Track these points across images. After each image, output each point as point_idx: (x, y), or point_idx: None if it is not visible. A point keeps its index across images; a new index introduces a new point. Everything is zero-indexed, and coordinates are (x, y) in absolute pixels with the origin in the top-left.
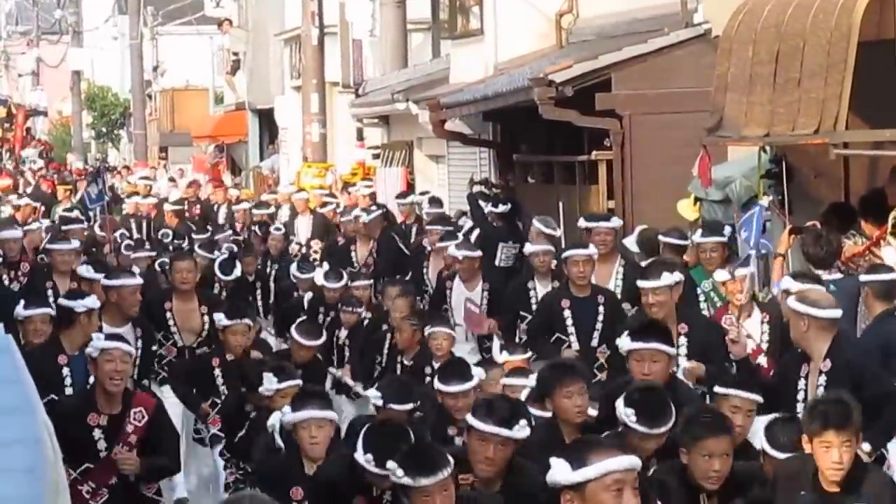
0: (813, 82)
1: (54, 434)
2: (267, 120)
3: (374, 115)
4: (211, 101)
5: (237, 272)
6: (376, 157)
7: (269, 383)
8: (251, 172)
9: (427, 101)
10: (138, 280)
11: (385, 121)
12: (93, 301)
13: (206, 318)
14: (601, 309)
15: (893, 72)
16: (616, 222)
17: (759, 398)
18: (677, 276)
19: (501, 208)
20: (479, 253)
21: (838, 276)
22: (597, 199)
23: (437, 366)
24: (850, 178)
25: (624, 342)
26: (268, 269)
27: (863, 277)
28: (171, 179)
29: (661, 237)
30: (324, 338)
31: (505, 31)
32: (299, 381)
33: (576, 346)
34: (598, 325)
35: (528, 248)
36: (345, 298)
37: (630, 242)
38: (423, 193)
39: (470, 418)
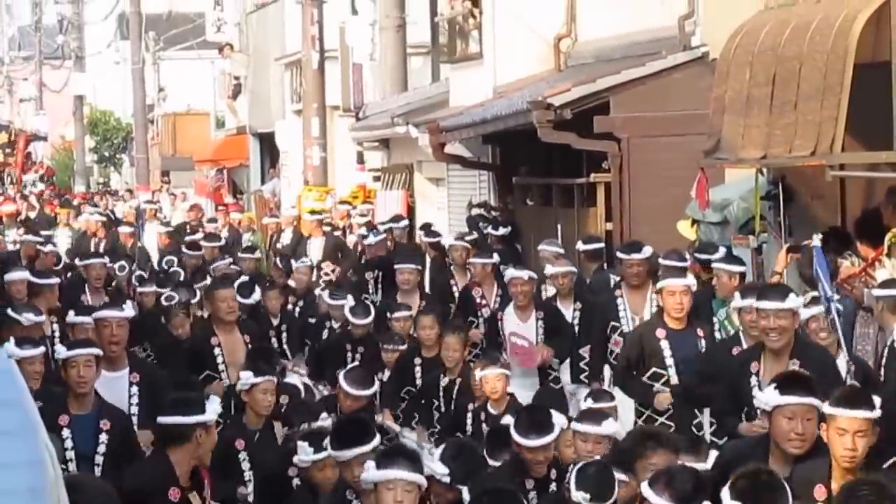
0: (809, 105)
1: (55, 456)
2: (268, 144)
3: (375, 138)
4: (212, 125)
5: (256, 296)
6: (377, 179)
7: (305, 454)
8: (252, 196)
9: (427, 124)
10: (124, 312)
11: (385, 144)
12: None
13: (249, 347)
14: (702, 343)
15: (889, 94)
16: (648, 251)
17: None
18: (800, 301)
19: (501, 231)
20: (534, 275)
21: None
22: (595, 221)
23: (490, 408)
24: (846, 200)
25: (770, 396)
26: (290, 306)
27: (876, 292)
28: (172, 195)
29: (661, 260)
30: (376, 385)
31: (504, 54)
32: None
33: (674, 379)
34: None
35: (549, 269)
36: (385, 335)
37: None
38: (394, 219)
39: (646, 489)
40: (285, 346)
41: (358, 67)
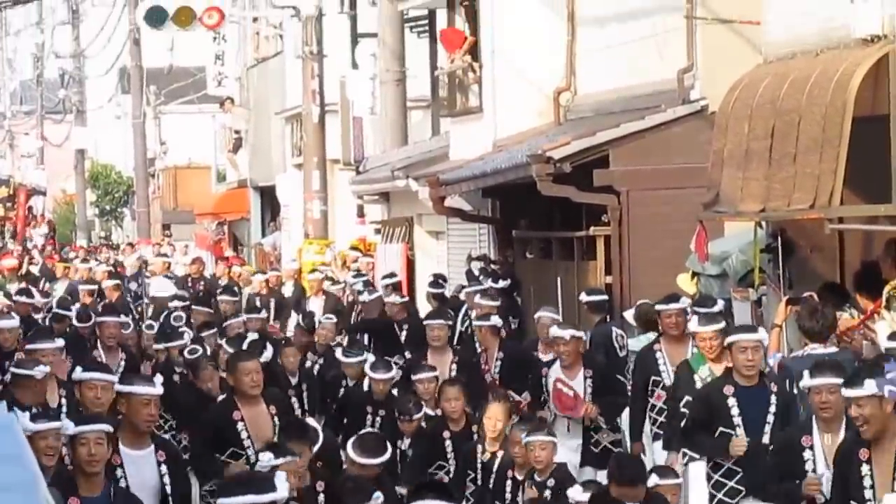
0: (808, 158)
1: None
2: (269, 197)
3: (375, 191)
4: (213, 178)
5: (268, 355)
6: (378, 231)
7: None
8: (253, 249)
9: (427, 177)
10: (155, 389)
11: (385, 197)
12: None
13: (276, 420)
14: (773, 399)
15: (887, 147)
16: (685, 302)
17: None
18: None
19: (501, 284)
20: (582, 334)
21: (833, 349)
22: (595, 274)
23: (538, 477)
24: (845, 252)
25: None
26: (308, 363)
27: (887, 345)
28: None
29: (657, 306)
30: (388, 452)
31: (503, 108)
32: None
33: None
34: (770, 418)
35: (555, 331)
36: (402, 401)
37: (628, 316)
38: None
39: None
40: (305, 406)
41: (358, 121)
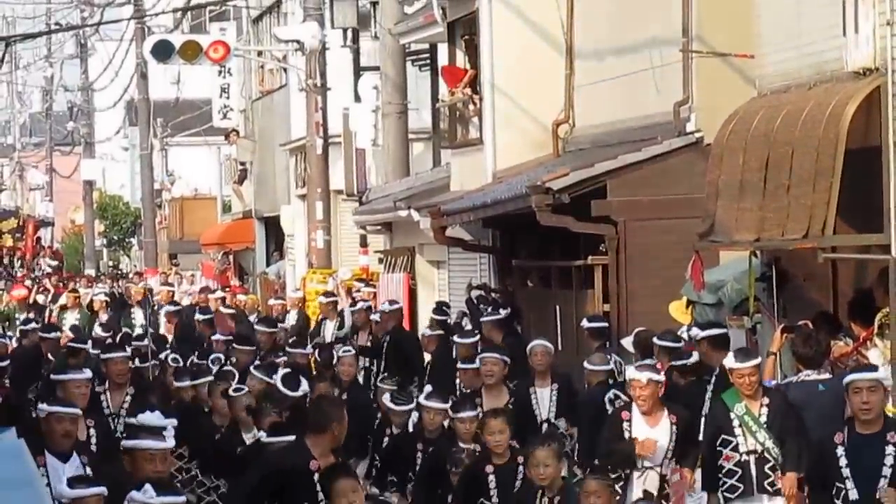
0: (801, 189)
1: None
2: (273, 227)
3: (377, 221)
4: (219, 209)
5: (304, 388)
6: (381, 261)
7: None
8: (258, 278)
9: (428, 208)
10: (161, 444)
11: (388, 227)
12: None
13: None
14: (889, 449)
15: (879, 178)
16: (758, 360)
17: None
18: None
19: (502, 313)
20: (662, 377)
21: (827, 375)
22: (593, 302)
23: None
24: (838, 281)
25: None
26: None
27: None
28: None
29: (655, 340)
30: None
31: (503, 140)
32: None
33: (854, 494)
34: (886, 471)
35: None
36: (452, 455)
37: (627, 343)
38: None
39: None
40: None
41: (361, 153)
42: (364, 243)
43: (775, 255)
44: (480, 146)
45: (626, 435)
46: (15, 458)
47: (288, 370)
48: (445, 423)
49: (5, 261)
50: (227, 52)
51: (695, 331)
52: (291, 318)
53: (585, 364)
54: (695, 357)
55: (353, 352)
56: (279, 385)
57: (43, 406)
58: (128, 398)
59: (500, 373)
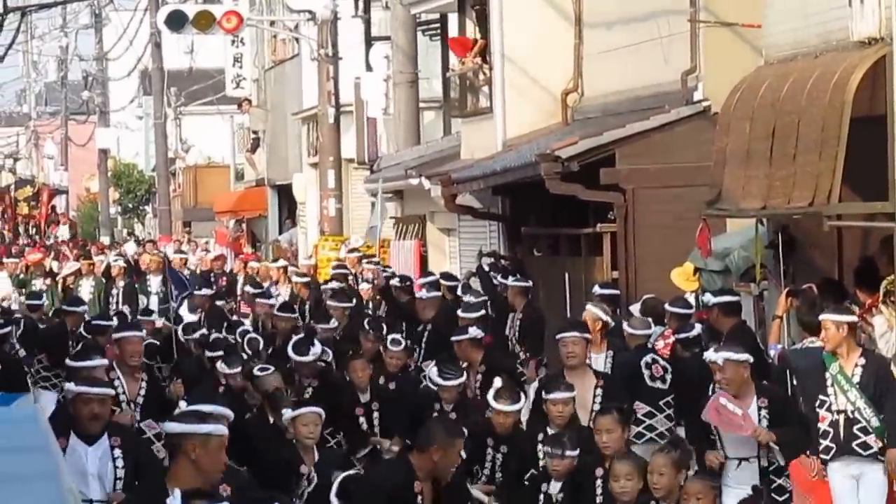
0: (807, 157)
1: (78, 500)
2: (285, 195)
3: (389, 189)
4: (232, 177)
5: (315, 351)
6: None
7: None
8: (270, 246)
9: (439, 176)
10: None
11: (399, 195)
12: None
13: None
14: None
15: (884, 147)
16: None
17: None
18: None
19: (511, 280)
20: (747, 357)
21: None
22: (601, 269)
23: None
24: (843, 249)
25: None
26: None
27: None
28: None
29: (667, 307)
30: None
31: (513, 109)
32: None
33: None
34: None
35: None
36: (552, 439)
37: (635, 310)
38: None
39: None
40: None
41: (372, 121)
42: None
43: (782, 223)
44: (490, 115)
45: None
46: (30, 424)
47: (301, 336)
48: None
49: (21, 228)
50: (240, 21)
51: (707, 296)
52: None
53: (626, 328)
54: (697, 329)
55: (404, 346)
56: (290, 352)
57: (70, 386)
58: (143, 384)
59: (582, 353)
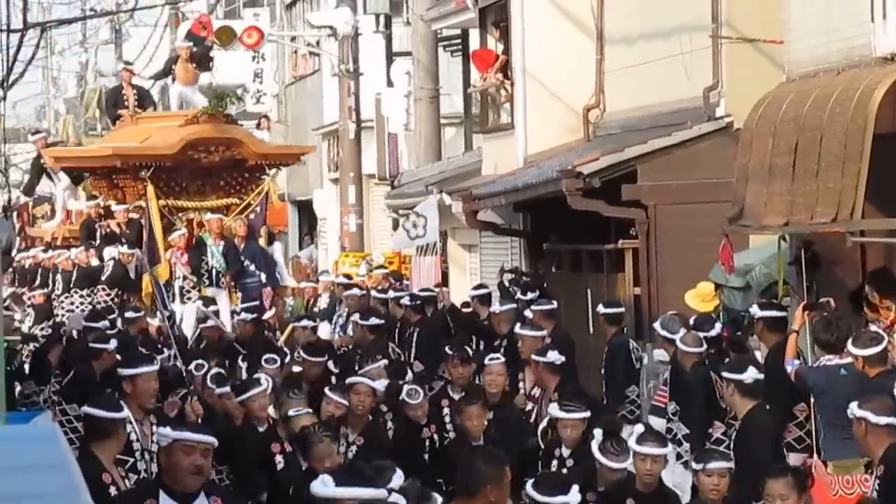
0: (830, 173)
1: None
2: (306, 211)
3: (410, 205)
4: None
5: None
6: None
7: None
8: (290, 262)
9: (460, 192)
10: None
11: None
12: None
13: None
14: None
15: None
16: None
17: None
18: None
19: (530, 296)
20: None
21: (849, 360)
22: (623, 286)
23: None
24: (866, 265)
25: None
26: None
27: None
28: None
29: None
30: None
31: (534, 125)
32: None
33: None
34: None
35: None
36: None
37: (658, 326)
38: None
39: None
40: None
41: (393, 137)
42: (396, 227)
43: (805, 239)
44: (512, 131)
45: None
46: (48, 443)
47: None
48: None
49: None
50: (261, 37)
51: (754, 308)
52: (323, 302)
53: (679, 345)
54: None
55: (503, 360)
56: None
57: (165, 431)
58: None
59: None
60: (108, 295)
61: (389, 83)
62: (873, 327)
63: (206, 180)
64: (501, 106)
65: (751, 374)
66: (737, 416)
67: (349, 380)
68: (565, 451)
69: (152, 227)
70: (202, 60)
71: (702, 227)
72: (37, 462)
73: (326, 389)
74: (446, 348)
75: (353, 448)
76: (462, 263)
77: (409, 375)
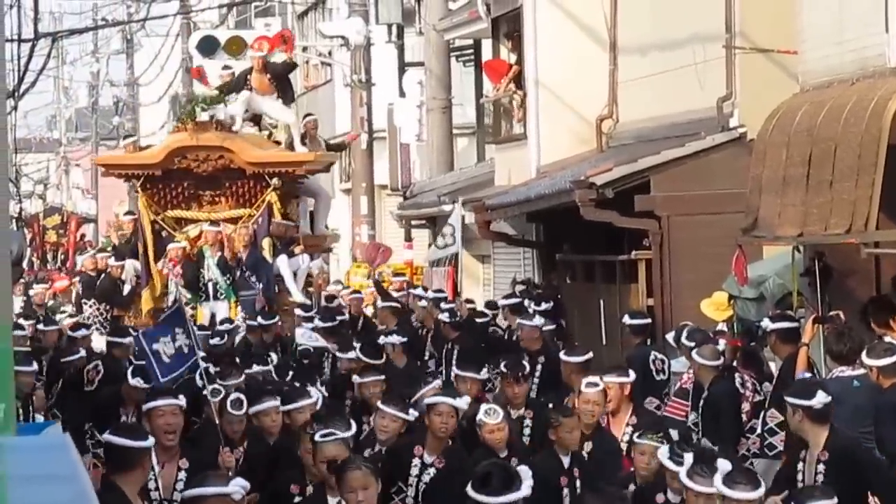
0: (844, 184)
1: None
2: None
3: (422, 216)
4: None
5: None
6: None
7: None
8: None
9: (472, 203)
10: None
11: (432, 222)
12: None
13: None
14: None
15: None
16: None
17: None
18: None
19: (544, 306)
20: None
21: (862, 371)
22: (636, 297)
23: None
24: (881, 276)
25: None
26: None
27: None
28: None
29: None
30: None
31: (547, 135)
32: None
33: None
34: None
35: None
36: None
37: (670, 338)
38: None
39: None
40: None
41: (405, 148)
42: (408, 237)
43: (818, 251)
44: (524, 141)
45: None
46: (59, 453)
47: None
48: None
49: (49, 256)
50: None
51: (765, 322)
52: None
53: (696, 357)
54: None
55: (601, 387)
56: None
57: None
58: (182, 472)
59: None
60: (98, 309)
61: (402, 93)
62: (887, 338)
63: (206, 191)
64: (514, 116)
65: (820, 399)
66: (809, 444)
67: (429, 400)
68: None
69: (145, 240)
70: (280, 75)
71: (715, 237)
72: (47, 472)
73: (381, 404)
74: (502, 365)
75: (431, 472)
76: (475, 274)
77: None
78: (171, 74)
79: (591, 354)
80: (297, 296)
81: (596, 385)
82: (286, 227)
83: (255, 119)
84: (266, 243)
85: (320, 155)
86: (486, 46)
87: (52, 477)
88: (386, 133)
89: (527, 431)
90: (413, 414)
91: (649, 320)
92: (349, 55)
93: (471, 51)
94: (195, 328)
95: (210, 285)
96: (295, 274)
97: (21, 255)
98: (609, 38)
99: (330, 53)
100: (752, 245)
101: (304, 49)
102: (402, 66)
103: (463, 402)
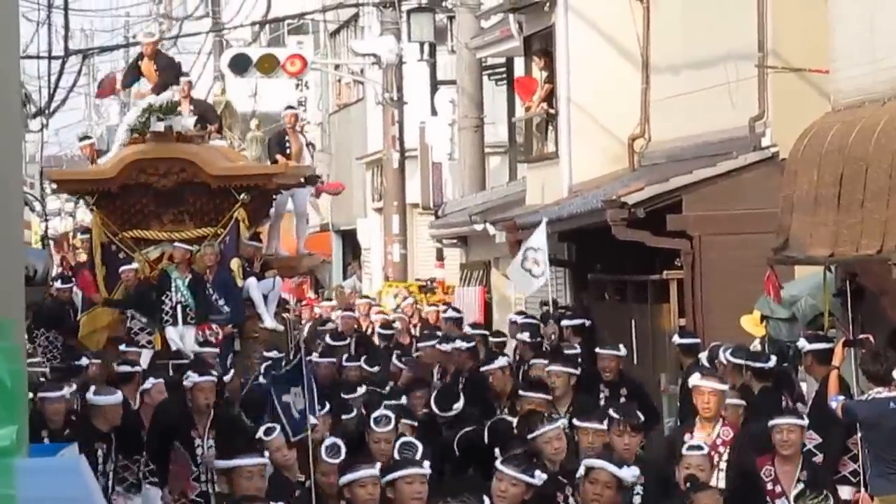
0: (875, 204)
1: None
2: (350, 240)
3: (453, 235)
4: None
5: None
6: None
7: None
8: (334, 291)
9: (504, 222)
10: None
11: (464, 241)
12: None
13: None
14: None
15: None
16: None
17: None
18: None
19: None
20: None
21: None
22: (668, 317)
23: None
24: None
25: None
26: None
27: None
28: None
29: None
30: None
31: (579, 154)
32: None
33: None
34: None
35: None
36: None
37: (703, 358)
38: None
39: None
40: None
41: (437, 166)
42: (440, 257)
43: (850, 271)
44: (556, 160)
45: None
46: (74, 475)
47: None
48: None
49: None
50: (305, 65)
51: (802, 342)
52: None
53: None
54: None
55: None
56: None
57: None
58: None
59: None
60: (47, 337)
61: (433, 112)
62: None
63: (167, 208)
64: (546, 135)
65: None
66: None
67: (588, 462)
68: None
69: (93, 260)
70: (166, 67)
71: (747, 257)
72: (61, 494)
73: (500, 464)
74: (610, 411)
75: None
76: (506, 294)
77: None
78: (204, 92)
79: None
80: (269, 321)
81: (700, 449)
82: (255, 249)
83: (219, 129)
84: (235, 264)
85: (292, 166)
86: (519, 65)
87: (67, 500)
88: (418, 151)
89: (637, 500)
90: (541, 477)
91: (699, 340)
92: (381, 73)
93: (503, 69)
94: None
95: (179, 308)
96: (266, 297)
97: (46, 274)
98: (641, 57)
99: (362, 71)
100: (783, 265)
101: (337, 67)
102: (434, 85)
103: (629, 474)
